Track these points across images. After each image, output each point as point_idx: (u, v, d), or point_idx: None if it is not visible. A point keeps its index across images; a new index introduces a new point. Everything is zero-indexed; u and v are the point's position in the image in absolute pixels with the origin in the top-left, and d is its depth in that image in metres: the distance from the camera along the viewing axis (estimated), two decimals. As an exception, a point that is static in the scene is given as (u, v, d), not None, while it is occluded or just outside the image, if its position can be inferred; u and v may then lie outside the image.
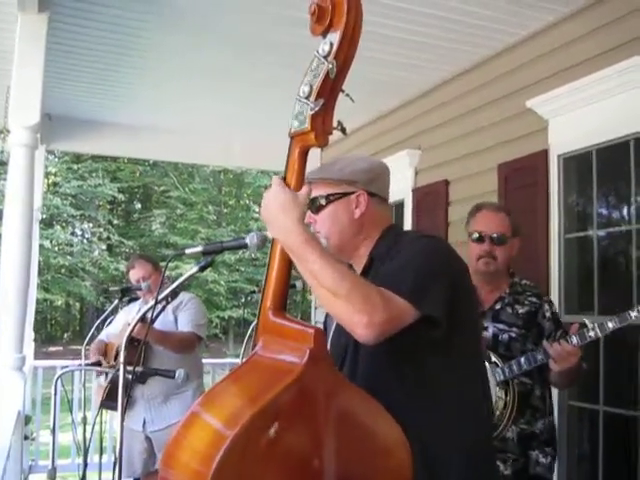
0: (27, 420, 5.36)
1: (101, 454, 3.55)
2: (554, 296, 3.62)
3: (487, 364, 2.55)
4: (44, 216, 21.77)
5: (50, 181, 23.18)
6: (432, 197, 4.93)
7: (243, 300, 20.98)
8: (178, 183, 23.15)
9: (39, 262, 20.30)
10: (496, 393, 2.53)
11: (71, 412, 3.65)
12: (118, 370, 2.69)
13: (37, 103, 3.18)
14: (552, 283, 3.74)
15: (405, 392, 1.63)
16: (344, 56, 1.44)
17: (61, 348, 21.46)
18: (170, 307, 4.23)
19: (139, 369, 2.84)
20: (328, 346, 1.77)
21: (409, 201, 5.24)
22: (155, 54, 4.53)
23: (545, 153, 3.86)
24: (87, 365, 3.84)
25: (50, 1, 3.26)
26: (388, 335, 1.46)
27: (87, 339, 3.80)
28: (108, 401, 4.10)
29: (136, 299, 4.53)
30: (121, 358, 2.05)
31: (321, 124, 1.47)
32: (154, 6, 3.80)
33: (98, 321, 3.81)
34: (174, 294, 4.26)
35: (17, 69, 3.15)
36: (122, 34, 4.11)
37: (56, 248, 21.86)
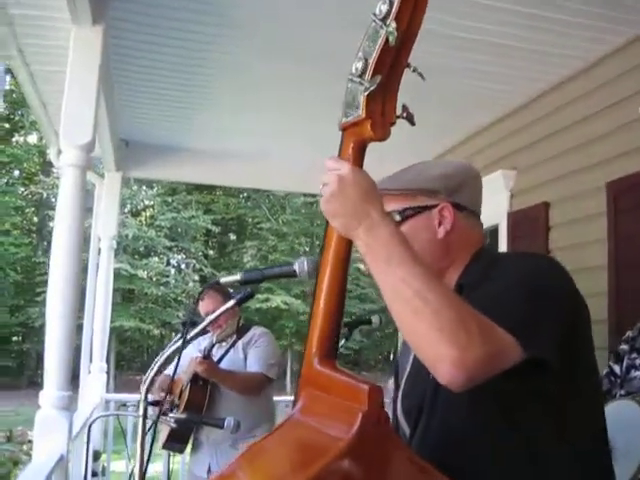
0: (97, 456, 5.16)
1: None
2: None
3: None
4: (141, 248, 22.51)
5: (148, 214, 23.89)
6: (530, 222, 4.41)
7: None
8: (270, 215, 23.25)
9: (133, 291, 20.91)
10: None
11: (128, 459, 3.35)
12: (163, 416, 2.39)
13: (90, 120, 2.95)
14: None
15: (495, 459, 1.22)
16: (408, 17, 1.07)
17: (144, 378, 21.78)
18: (240, 343, 3.92)
19: (182, 416, 2.52)
20: (399, 399, 1.44)
21: (504, 227, 4.73)
22: (228, 70, 4.26)
23: (665, 168, 3.31)
24: (149, 403, 3.56)
25: (105, 14, 3.05)
26: (481, 380, 1.06)
27: (147, 376, 3.50)
28: (171, 442, 3.81)
29: (206, 332, 4.28)
30: (147, 396, 1.70)
31: (379, 110, 1.12)
32: (224, 18, 3.54)
33: (160, 356, 3.51)
34: (243, 329, 3.95)
35: (69, 85, 2.94)
36: (189, 50, 3.87)
37: (153, 279, 22.35)
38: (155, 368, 1.69)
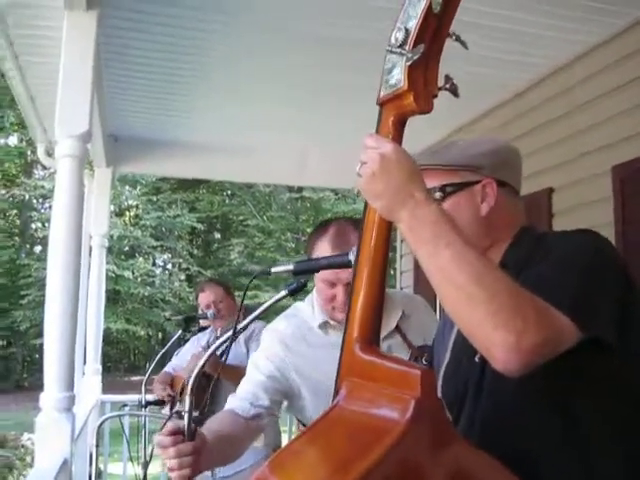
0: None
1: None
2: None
3: None
4: (126, 248, 22.28)
5: (132, 213, 23.65)
6: (533, 208, 4.32)
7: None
8: (255, 212, 23.09)
9: (119, 292, 20.68)
10: None
11: (131, 460, 3.23)
12: (173, 416, 2.29)
13: (86, 110, 2.82)
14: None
15: (546, 447, 1.16)
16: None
17: (144, 378, 21.58)
18: (242, 337, 3.84)
19: (195, 415, 2.42)
20: (439, 386, 1.38)
21: (505, 215, 4.67)
22: (220, 61, 4.15)
23: (675, 149, 3.26)
24: (149, 403, 3.47)
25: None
26: (537, 364, 1.01)
27: (147, 374, 3.42)
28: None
29: (205, 328, 4.21)
30: (187, 401, 1.61)
31: (422, 81, 1.07)
32: (222, 4, 3.45)
33: (160, 353, 3.43)
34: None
35: (64, 72, 2.81)
36: (183, 38, 3.76)
37: (139, 279, 22.12)
38: (197, 370, 1.59)
